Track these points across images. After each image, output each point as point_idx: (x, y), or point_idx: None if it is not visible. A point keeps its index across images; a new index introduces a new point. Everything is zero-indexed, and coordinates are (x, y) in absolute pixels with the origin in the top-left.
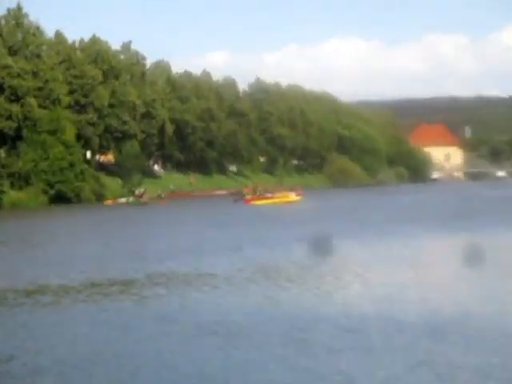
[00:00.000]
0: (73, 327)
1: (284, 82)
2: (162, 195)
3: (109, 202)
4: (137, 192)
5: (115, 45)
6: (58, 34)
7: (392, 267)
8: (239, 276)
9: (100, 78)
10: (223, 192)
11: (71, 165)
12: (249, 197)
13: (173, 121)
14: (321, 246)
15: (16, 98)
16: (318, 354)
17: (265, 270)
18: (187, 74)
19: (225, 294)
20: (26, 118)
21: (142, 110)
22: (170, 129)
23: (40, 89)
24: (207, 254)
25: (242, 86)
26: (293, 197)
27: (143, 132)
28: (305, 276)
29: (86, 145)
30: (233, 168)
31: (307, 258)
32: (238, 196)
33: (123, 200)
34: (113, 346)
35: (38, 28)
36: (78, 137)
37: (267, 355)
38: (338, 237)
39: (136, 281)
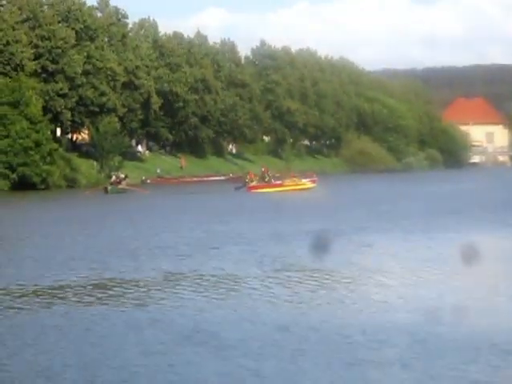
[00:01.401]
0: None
1: (294, 46)
2: (148, 181)
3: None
4: (113, 177)
5: (91, 0)
6: None
7: (433, 270)
8: (243, 278)
9: (72, 40)
10: (220, 178)
11: (37, 144)
12: (253, 184)
13: (160, 93)
14: (344, 243)
15: None
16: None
17: (276, 270)
18: (178, 37)
19: (225, 299)
20: None
21: (122, 79)
22: (156, 102)
23: None
24: (209, 250)
25: (244, 51)
26: (305, 184)
27: (124, 106)
28: (328, 280)
29: (56, 120)
30: (232, 149)
31: (328, 259)
32: (241, 183)
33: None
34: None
35: None
36: (46, 110)
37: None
38: (363, 232)
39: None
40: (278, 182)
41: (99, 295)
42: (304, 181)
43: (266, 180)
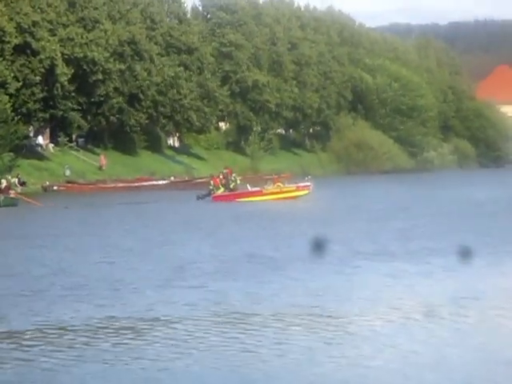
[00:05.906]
0: None
1: None
2: (54, 187)
3: None
4: (4, 183)
5: None
6: None
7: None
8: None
9: None
10: (158, 182)
11: None
12: (220, 192)
13: (70, 60)
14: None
15: None
16: None
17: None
18: None
19: None
20: None
21: (14, 40)
22: (64, 73)
23: None
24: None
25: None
26: (295, 191)
27: (17, 79)
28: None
29: None
30: (174, 141)
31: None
32: (205, 190)
33: None
34: None
35: None
36: None
37: None
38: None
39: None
40: (256, 190)
41: None
42: (292, 186)
43: (232, 186)
